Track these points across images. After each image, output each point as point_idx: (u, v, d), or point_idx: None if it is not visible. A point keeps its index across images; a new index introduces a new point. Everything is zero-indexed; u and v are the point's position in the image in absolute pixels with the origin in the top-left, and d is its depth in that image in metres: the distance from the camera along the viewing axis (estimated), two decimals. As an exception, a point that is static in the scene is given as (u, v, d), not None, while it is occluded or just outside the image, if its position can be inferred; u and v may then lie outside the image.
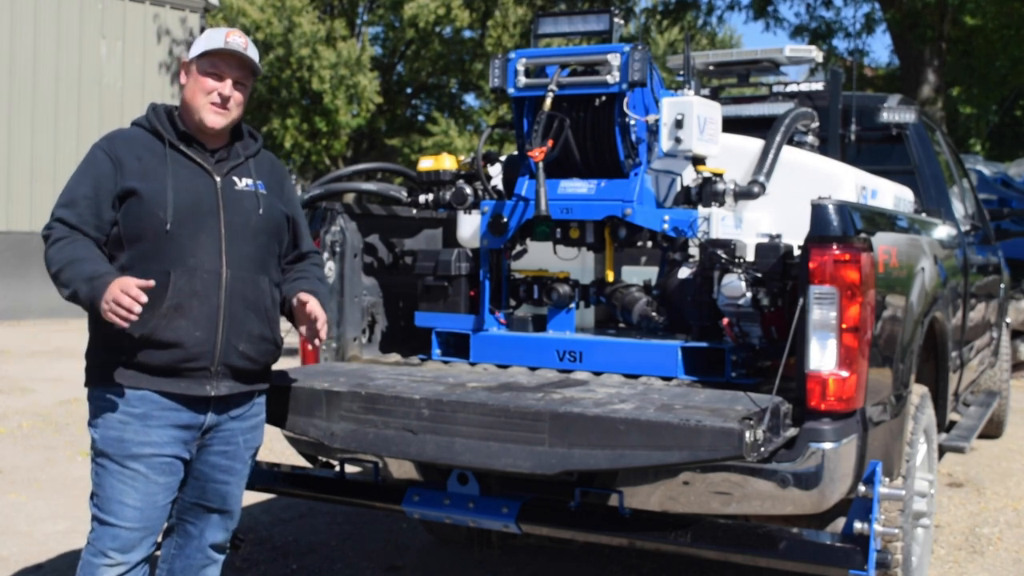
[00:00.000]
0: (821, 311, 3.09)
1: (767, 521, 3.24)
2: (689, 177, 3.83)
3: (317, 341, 3.11)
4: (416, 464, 3.47)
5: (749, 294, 3.39)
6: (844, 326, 3.08)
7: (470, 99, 30.99)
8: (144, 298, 2.65)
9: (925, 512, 4.09)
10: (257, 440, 3.14)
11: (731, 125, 4.27)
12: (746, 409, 2.90)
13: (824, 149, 4.82)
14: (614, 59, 3.57)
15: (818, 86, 5.39)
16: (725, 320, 3.45)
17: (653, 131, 3.70)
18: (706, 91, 5.64)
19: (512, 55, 3.76)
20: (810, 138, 4.62)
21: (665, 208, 3.77)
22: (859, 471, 3.11)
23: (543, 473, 2.92)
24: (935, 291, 4.11)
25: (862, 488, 2.98)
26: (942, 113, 15.07)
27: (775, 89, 5.50)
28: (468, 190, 3.95)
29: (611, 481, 3.20)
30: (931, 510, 4.20)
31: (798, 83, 5.48)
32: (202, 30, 18.01)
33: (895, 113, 5.22)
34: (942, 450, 4.86)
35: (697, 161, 3.76)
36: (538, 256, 4.05)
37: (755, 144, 4.08)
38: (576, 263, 4.09)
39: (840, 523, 3.10)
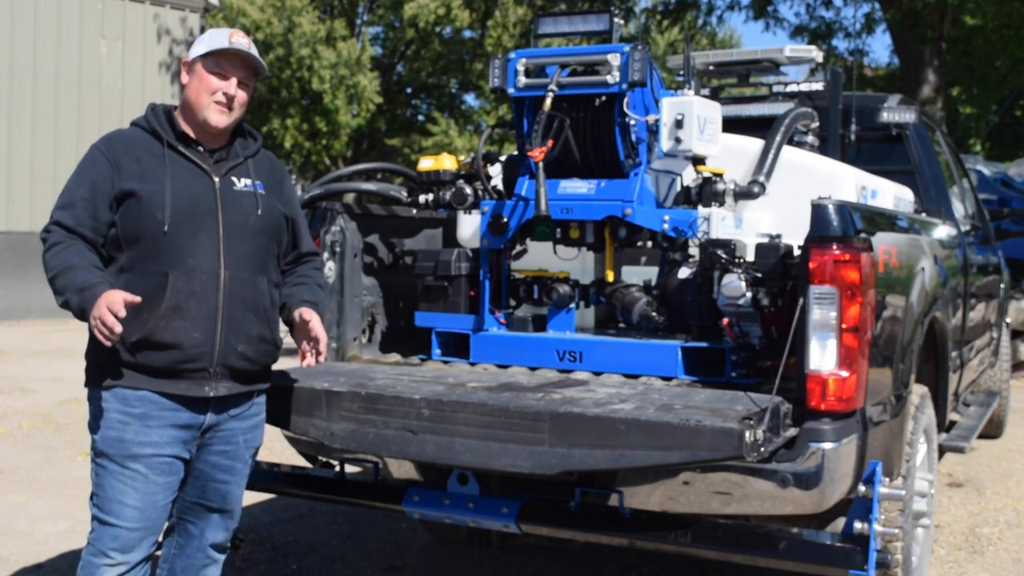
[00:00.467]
0: (821, 311, 3.09)
1: (767, 521, 3.24)
2: (689, 177, 3.83)
3: (312, 359, 3.08)
4: (416, 464, 3.47)
5: (749, 294, 3.39)
6: (844, 326, 3.08)
7: (470, 99, 31.02)
8: (123, 313, 2.66)
9: (925, 512, 4.09)
10: (257, 440, 3.14)
11: (731, 125, 4.27)
12: (746, 409, 2.90)
13: (824, 149, 4.82)
14: (614, 59, 3.57)
15: (818, 86, 5.39)
16: (725, 320, 3.45)
17: (653, 131, 3.70)
18: (706, 91, 5.64)
19: (512, 55, 3.76)
20: (810, 138, 4.62)
21: (665, 208, 3.77)
22: (859, 471, 3.11)
23: (543, 473, 2.92)
24: (935, 291, 4.11)
25: (862, 488, 2.98)
26: (942, 113, 15.07)
27: (775, 89, 5.50)
28: (468, 190, 3.95)
29: (611, 481, 3.20)
30: (931, 510, 4.19)
31: (798, 83, 5.48)
32: (202, 30, 18.03)
33: (895, 113, 5.22)
34: (942, 450, 4.86)
35: (697, 161, 3.76)
36: (538, 256, 4.05)
37: (755, 144, 4.08)
38: (576, 263, 4.09)
39: (840, 523, 3.10)
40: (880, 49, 68.39)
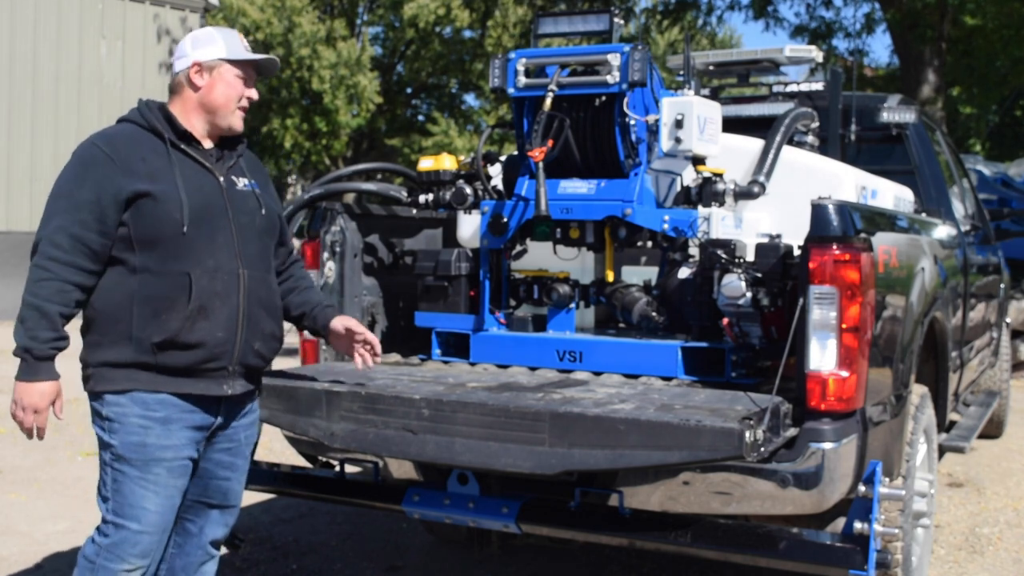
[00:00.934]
0: (821, 311, 3.09)
1: (767, 521, 3.24)
2: (689, 177, 3.83)
3: (371, 361, 3.22)
4: (416, 464, 3.47)
5: (749, 294, 3.39)
6: (844, 326, 3.08)
7: (470, 99, 31.01)
8: (42, 434, 2.80)
9: (925, 512, 4.09)
10: (256, 435, 3.17)
11: (731, 125, 4.27)
12: (746, 409, 2.90)
13: (824, 149, 4.81)
14: (614, 59, 3.57)
15: (818, 86, 5.39)
16: (725, 320, 3.45)
17: (653, 131, 3.70)
18: (706, 91, 5.64)
19: (512, 55, 3.76)
20: (810, 138, 4.62)
21: (665, 208, 3.77)
22: (859, 471, 3.11)
23: (543, 473, 2.92)
24: (935, 291, 4.11)
25: (862, 488, 2.97)
26: (942, 113, 15.06)
27: (775, 89, 5.50)
28: (468, 190, 3.95)
29: (611, 481, 3.20)
30: (931, 510, 4.19)
31: (798, 83, 5.48)
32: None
33: (895, 113, 5.22)
34: (942, 450, 4.86)
35: (697, 161, 3.76)
36: (538, 256, 4.05)
37: (755, 144, 4.08)
38: (576, 263, 4.08)
39: (840, 523, 3.10)
40: (880, 49, 68.40)
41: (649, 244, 3.81)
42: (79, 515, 5.09)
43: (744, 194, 3.76)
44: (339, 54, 25.36)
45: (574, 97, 3.68)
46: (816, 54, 5.31)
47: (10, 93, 15.34)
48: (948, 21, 15.02)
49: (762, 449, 2.80)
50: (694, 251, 3.71)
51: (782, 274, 3.42)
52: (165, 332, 2.78)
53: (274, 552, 4.76)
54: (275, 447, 6.27)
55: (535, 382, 3.43)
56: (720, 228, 3.62)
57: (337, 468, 3.68)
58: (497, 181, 4.07)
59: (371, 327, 4.20)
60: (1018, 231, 8.24)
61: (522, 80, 3.73)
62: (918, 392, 3.92)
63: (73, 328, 2.78)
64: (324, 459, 3.89)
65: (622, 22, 3.79)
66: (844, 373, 3.09)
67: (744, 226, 3.77)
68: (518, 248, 3.96)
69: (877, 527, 2.89)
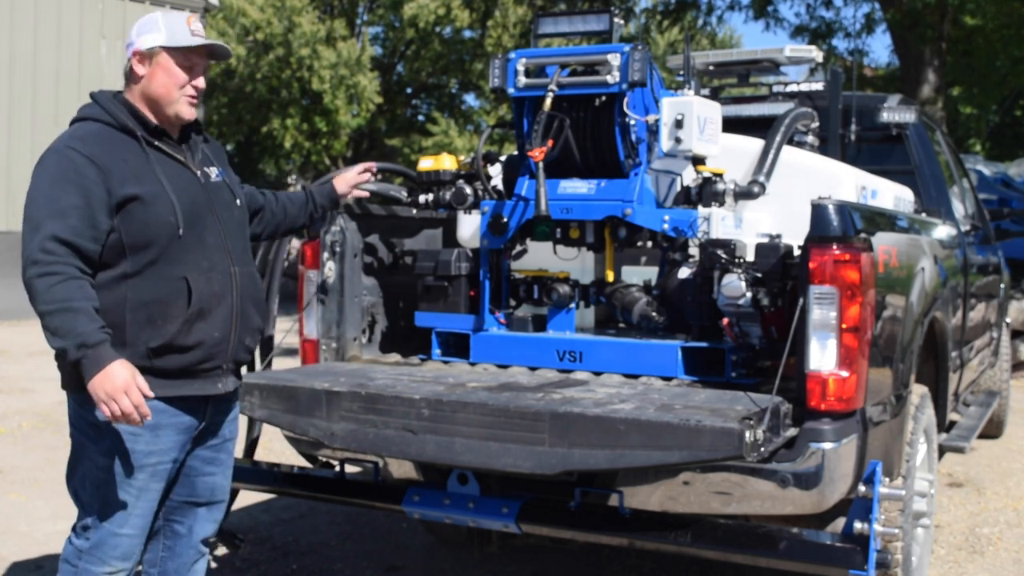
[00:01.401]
0: (821, 311, 3.09)
1: (767, 521, 3.24)
2: (689, 177, 3.83)
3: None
4: (416, 464, 3.47)
5: (749, 294, 3.39)
6: (844, 326, 3.08)
7: (470, 99, 31.02)
8: (147, 413, 2.62)
9: (925, 512, 4.09)
10: (236, 430, 3.15)
11: (731, 125, 4.27)
12: (746, 409, 2.90)
13: (824, 149, 4.81)
14: (614, 59, 3.57)
15: (818, 86, 5.39)
16: (725, 320, 3.45)
17: (653, 131, 3.69)
18: (706, 91, 5.64)
19: (512, 55, 3.76)
20: (810, 138, 4.62)
21: (665, 208, 3.77)
22: (859, 471, 3.11)
23: (543, 473, 2.92)
24: (935, 291, 4.11)
25: (862, 488, 2.98)
26: (942, 113, 15.06)
27: (775, 89, 5.50)
28: (468, 190, 3.95)
29: (611, 481, 3.20)
30: (931, 510, 4.19)
31: (798, 83, 5.48)
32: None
33: (895, 113, 5.22)
34: (942, 450, 4.86)
35: (697, 161, 3.76)
36: (538, 256, 4.05)
37: (755, 144, 4.08)
38: (576, 263, 4.08)
39: (840, 523, 3.10)
40: (880, 49, 68.42)
41: (649, 244, 3.81)
42: (79, 515, 5.09)
43: (744, 194, 3.76)
44: (339, 54, 25.36)
45: (574, 97, 3.68)
46: (816, 54, 5.31)
47: (10, 93, 15.34)
48: (948, 21, 15.01)
49: (762, 449, 2.80)
50: (694, 251, 3.71)
51: (782, 274, 3.42)
52: (162, 337, 2.73)
53: (274, 552, 4.76)
54: (275, 447, 6.27)
55: (535, 382, 3.43)
56: (720, 228, 3.62)
57: (337, 468, 3.68)
58: (497, 181, 4.07)
59: (371, 327, 4.20)
60: (1018, 231, 8.24)
61: (522, 80, 3.73)
62: (918, 392, 3.92)
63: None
64: (324, 459, 3.89)
65: (622, 22, 3.79)
66: (844, 373, 3.09)
67: (744, 226, 3.77)
68: (518, 248, 3.96)
69: (877, 527, 2.89)
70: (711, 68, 5.55)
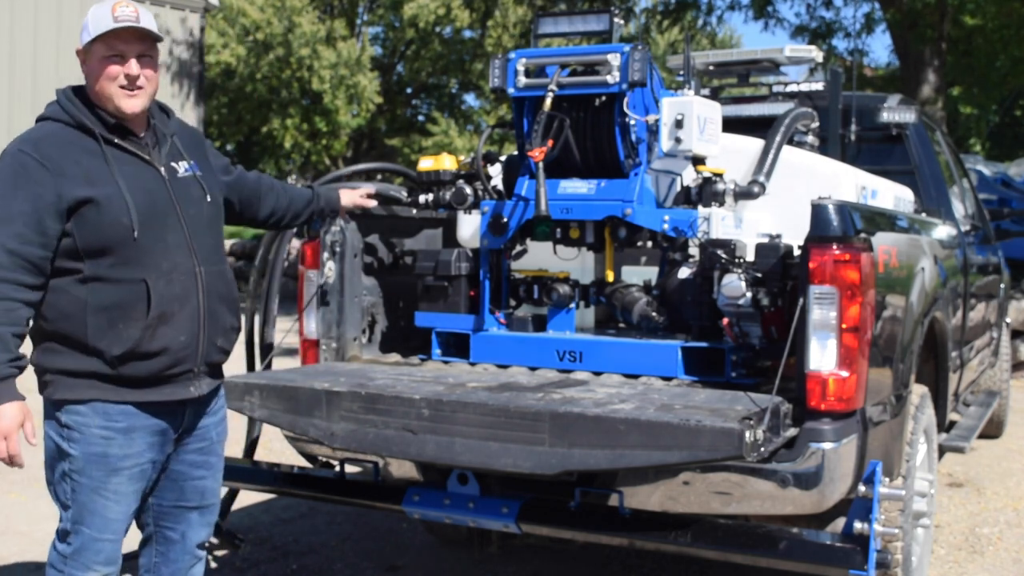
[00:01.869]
0: (821, 311, 3.09)
1: (767, 521, 3.24)
2: (689, 177, 3.83)
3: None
4: (416, 464, 3.47)
5: (749, 294, 3.39)
6: (844, 326, 3.08)
7: (470, 99, 31.02)
8: (22, 465, 2.68)
9: (925, 512, 4.09)
10: (226, 432, 3.09)
11: (731, 125, 4.27)
12: (746, 409, 2.90)
13: (824, 149, 4.81)
14: (614, 59, 3.57)
15: (818, 86, 5.39)
16: (725, 320, 3.45)
17: (653, 131, 3.69)
18: (706, 91, 5.64)
19: (512, 55, 3.76)
20: (810, 138, 4.62)
21: (665, 208, 3.77)
22: (859, 471, 3.11)
23: (543, 473, 2.92)
24: (935, 291, 4.11)
25: (862, 488, 2.98)
26: (942, 113, 15.06)
27: (775, 89, 5.50)
28: (468, 190, 3.94)
29: (611, 481, 3.20)
30: (931, 510, 4.19)
31: (798, 83, 5.48)
32: (202, 31, 18.04)
33: (895, 113, 5.22)
34: (942, 450, 4.86)
35: (697, 161, 3.76)
36: (538, 256, 4.05)
37: (755, 144, 4.08)
38: (576, 263, 4.08)
39: (840, 523, 3.10)
40: (880, 49, 68.43)
41: (649, 244, 3.81)
42: (79, 515, 5.09)
43: (744, 194, 3.76)
44: (339, 54, 25.35)
45: (574, 97, 3.68)
46: (816, 54, 5.31)
47: (10, 93, 15.34)
48: (948, 21, 15.01)
49: (762, 449, 2.80)
50: (694, 251, 3.71)
51: (782, 274, 3.42)
52: (125, 344, 2.66)
53: (274, 552, 4.76)
54: (275, 447, 6.27)
55: (535, 382, 3.43)
56: (720, 228, 3.62)
57: (337, 468, 3.68)
58: (497, 181, 4.07)
59: (371, 327, 4.20)
60: (1018, 231, 8.23)
61: (522, 80, 3.73)
62: (918, 392, 3.91)
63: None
64: (324, 459, 3.89)
65: (622, 22, 3.79)
66: (844, 373, 3.09)
67: (744, 226, 3.77)
68: (518, 248, 3.96)
69: (877, 527, 2.89)
70: (711, 68, 5.55)
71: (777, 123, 4.16)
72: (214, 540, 3.25)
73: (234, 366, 3.96)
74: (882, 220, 3.68)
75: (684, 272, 3.68)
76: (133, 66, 2.71)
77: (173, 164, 2.84)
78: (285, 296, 4.33)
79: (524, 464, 2.92)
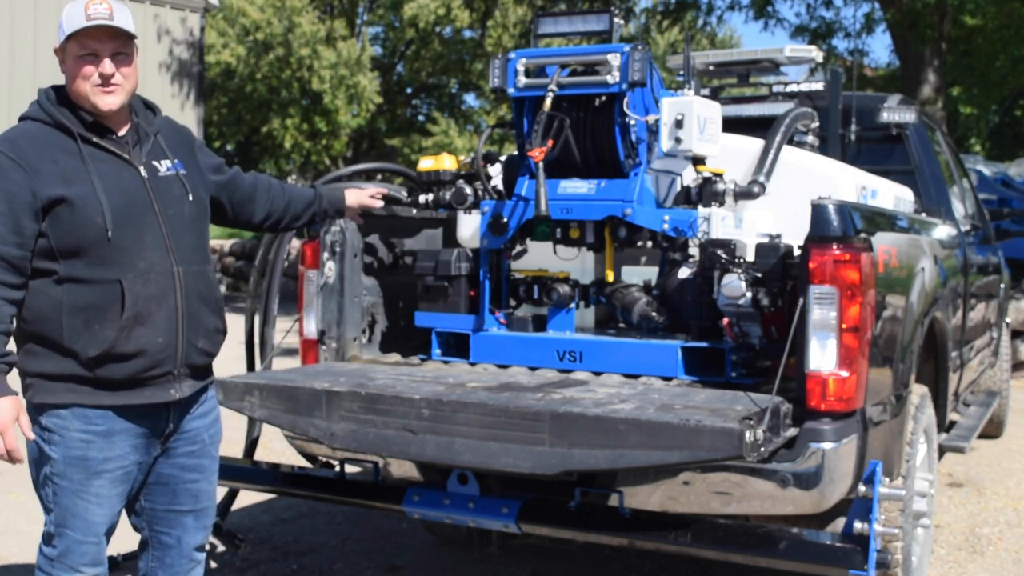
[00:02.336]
0: (821, 311, 3.09)
1: (767, 521, 3.24)
2: (689, 177, 3.83)
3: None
4: (416, 464, 3.47)
5: (749, 294, 3.39)
6: (844, 326, 3.08)
7: (470, 99, 31.03)
8: (21, 459, 2.65)
9: (925, 512, 4.09)
10: (220, 433, 3.06)
11: (731, 125, 4.27)
12: (746, 409, 2.90)
13: (824, 149, 4.81)
14: (614, 59, 3.57)
15: (818, 86, 5.39)
16: (725, 320, 3.45)
17: (653, 131, 3.69)
18: (706, 91, 5.64)
19: (512, 55, 3.76)
20: (810, 138, 4.62)
21: (665, 208, 3.77)
22: (859, 471, 3.11)
23: (543, 473, 2.92)
24: (935, 291, 4.11)
25: (862, 488, 2.98)
26: (942, 113, 15.06)
27: (775, 89, 5.50)
28: (468, 190, 3.94)
29: (611, 481, 3.20)
30: (931, 510, 4.19)
31: (798, 83, 5.48)
32: (202, 31, 18.04)
33: (895, 113, 5.22)
34: (942, 450, 4.86)
35: (697, 161, 3.76)
36: (538, 256, 4.05)
37: (755, 144, 4.08)
38: (576, 263, 4.08)
39: (840, 523, 3.10)
40: (880, 49, 68.41)
41: (649, 244, 3.81)
42: (79, 515, 5.09)
43: (744, 194, 3.76)
44: (339, 54, 25.37)
45: (574, 97, 3.68)
46: (816, 54, 5.31)
47: (10, 93, 15.33)
48: (948, 21, 15.01)
49: (762, 449, 2.80)
50: (694, 251, 3.71)
51: (782, 274, 3.42)
52: (100, 345, 2.64)
53: (274, 552, 4.76)
54: (275, 447, 6.27)
55: (535, 382, 3.43)
56: (720, 228, 3.62)
57: (337, 468, 3.68)
58: (497, 181, 4.07)
59: (371, 327, 4.20)
60: (1018, 231, 8.23)
61: (522, 80, 3.73)
62: (918, 392, 3.91)
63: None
64: (324, 459, 3.89)
65: (622, 22, 3.79)
66: (844, 373, 3.09)
67: (744, 226, 3.77)
68: (518, 248, 3.96)
69: (877, 527, 2.89)
70: (711, 68, 5.55)
71: (777, 123, 4.16)
72: (215, 541, 3.25)
73: (234, 366, 3.98)
74: (882, 220, 3.68)
75: (684, 272, 3.68)
76: (107, 65, 2.68)
77: (154, 163, 2.81)
78: (285, 296, 4.34)
79: (524, 464, 2.92)
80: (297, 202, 3.40)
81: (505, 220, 3.76)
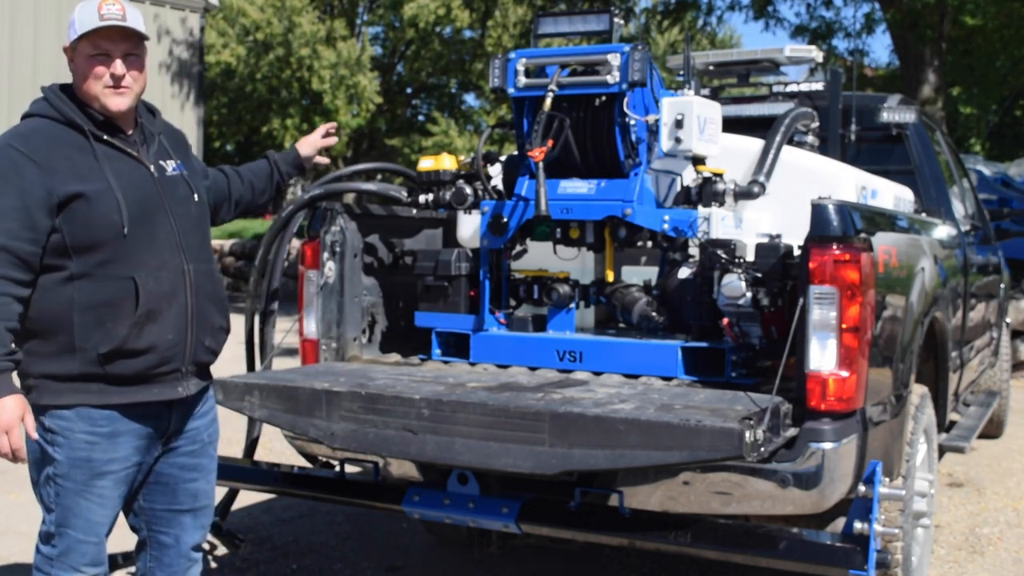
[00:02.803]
0: (821, 311, 3.09)
1: (767, 521, 3.24)
2: (689, 177, 3.83)
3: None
4: (416, 464, 3.47)
5: (749, 294, 3.39)
6: (844, 326, 3.08)
7: (470, 99, 31.03)
8: (24, 459, 2.64)
9: (925, 512, 4.09)
10: (218, 432, 3.08)
11: (731, 125, 4.27)
12: (746, 409, 2.90)
13: (824, 149, 4.81)
14: (614, 59, 3.57)
15: (818, 86, 5.39)
16: (725, 320, 3.45)
17: (653, 131, 3.69)
18: (706, 91, 5.64)
19: (512, 55, 3.76)
20: (810, 138, 4.62)
21: (665, 208, 3.77)
22: (859, 471, 3.11)
23: (543, 473, 2.92)
24: (935, 291, 4.11)
25: (862, 488, 2.98)
26: (942, 113, 15.06)
27: (775, 89, 5.50)
28: (468, 190, 3.94)
29: (611, 481, 3.20)
30: (931, 510, 4.20)
31: (798, 83, 5.48)
32: (202, 31, 18.04)
33: (895, 113, 5.22)
34: (942, 450, 4.86)
35: (697, 161, 3.76)
36: (538, 256, 4.05)
37: (755, 144, 4.08)
38: (576, 263, 4.08)
39: (840, 523, 3.10)
40: (880, 49, 68.43)
41: (649, 244, 3.81)
42: (79, 515, 5.09)
43: (744, 194, 3.76)
44: (339, 54, 25.37)
45: (574, 97, 3.68)
46: (816, 54, 5.31)
47: (10, 93, 15.34)
48: (948, 21, 15.01)
49: (762, 449, 2.80)
50: (694, 251, 3.71)
51: (782, 274, 3.42)
52: (112, 341, 2.65)
53: (274, 552, 4.76)
54: (275, 447, 6.27)
55: (535, 382, 3.43)
56: (720, 228, 3.62)
57: (337, 468, 3.68)
58: (497, 181, 4.07)
59: (371, 327, 4.20)
60: (1018, 231, 8.23)
61: (522, 80, 3.73)
62: (918, 392, 3.92)
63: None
64: (324, 459, 3.89)
65: (622, 22, 3.79)
66: (844, 373, 3.09)
67: (744, 226, 3.77)
68: (518, 248, 3.96)
69: (877, 527, 2.89)
70: (711, 68, 5.55)
71: (777, 123, 4.16)
72: (215, 541, 3.25)
73: (234, 366, 3.98)
74: (882, 220, 3.68)
75: (684, 272, 3.68)
76: (119, 66, 2.70)
77: (161, 162, 2.84)
78: (285, 296, 4.34)
79: (524, 464, 2.92)
80: (259, 179, 3.40)
81: (505, 220, 3.76)
